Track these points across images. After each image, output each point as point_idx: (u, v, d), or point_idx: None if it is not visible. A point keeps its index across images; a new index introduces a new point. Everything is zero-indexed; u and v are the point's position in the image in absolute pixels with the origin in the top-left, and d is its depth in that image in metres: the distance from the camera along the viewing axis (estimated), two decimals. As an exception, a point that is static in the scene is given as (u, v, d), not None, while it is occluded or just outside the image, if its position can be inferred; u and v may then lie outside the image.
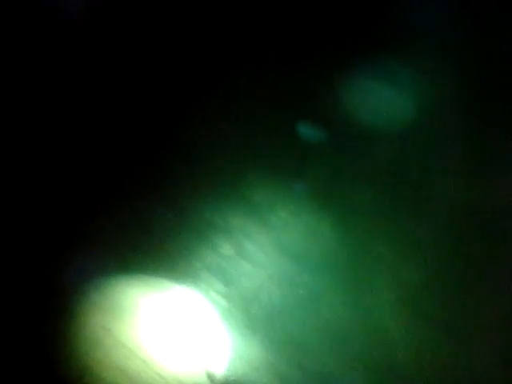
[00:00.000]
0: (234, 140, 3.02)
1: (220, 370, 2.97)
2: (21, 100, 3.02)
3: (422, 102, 2.92)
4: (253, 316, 2.98)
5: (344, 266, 2.97)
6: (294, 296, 2.98)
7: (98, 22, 3.05)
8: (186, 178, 3.05)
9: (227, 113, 3.03)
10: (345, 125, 2.98)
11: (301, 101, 2.99)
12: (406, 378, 2.94)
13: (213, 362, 2.98)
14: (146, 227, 3.03)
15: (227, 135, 3.04)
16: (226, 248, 3.02)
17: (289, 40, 2.96)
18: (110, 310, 3.00)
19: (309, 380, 2.93)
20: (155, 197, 3.04)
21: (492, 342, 2.91)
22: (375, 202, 2.96)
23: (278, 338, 2.96)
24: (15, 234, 3.03)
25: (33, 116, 3.02)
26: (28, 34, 3.05)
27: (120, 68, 3.07)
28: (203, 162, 3.04)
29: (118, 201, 3.05)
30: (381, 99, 2.96)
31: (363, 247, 2.96)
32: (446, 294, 2.91)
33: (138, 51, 3.07)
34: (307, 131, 2.98)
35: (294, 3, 2.92)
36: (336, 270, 2.97)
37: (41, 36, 3.01)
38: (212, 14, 3.05)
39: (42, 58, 3.03)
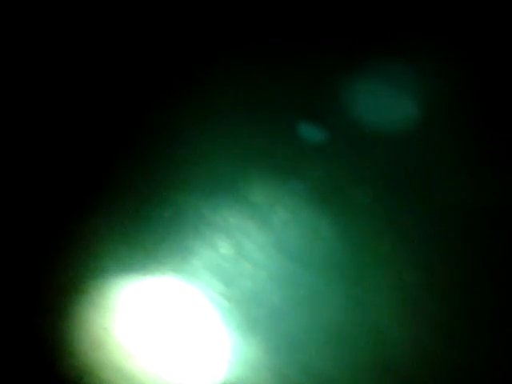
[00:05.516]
0: (234, 140, 3.02)
1: (220, 371, 2.98)
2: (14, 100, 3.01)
3: (423, 102, 2.91)
4: (253, 316, 2.98)
5: (344, 267, 2.97)
6: (294, 296, 2.98)
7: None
8: (185, 177, 3.04)
9: (227, 113, 3.02)
10: (345, 125, 2.98)
11: (301, 101, 2.98)
12: (405, 378, 2.95)
13: (213, 363, 2.98)
14: (145, 227, 3.03)
15: (227, 135, 3.03)
16: (226, 248, 3.02)
17: (289, 40, 2.95)
18: (109, 310, 3.00)
19: (309, 381, 2.94)
20: (155, 197, 3.03)
21: (491, 341, 2.92)
22: (375, 203, 2.96)
23: (278, 339, 2.97)
24: (15, 234, 3.02)
25: (26, 116, 3.01)
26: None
27: (117, 65, 3.06)
28: (203, 161, 3.03)
29: (117, 201, 3.04)
30: (381, 99, 2.96)
31: (363, 247, 2.96)
32: (445, 294, 2.92)
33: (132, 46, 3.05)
34: (307, 131, 2.97)
35: (294, 4, 2.91)
36: (336, 270, 2.97)
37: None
38: (213, 11, 3.03)
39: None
